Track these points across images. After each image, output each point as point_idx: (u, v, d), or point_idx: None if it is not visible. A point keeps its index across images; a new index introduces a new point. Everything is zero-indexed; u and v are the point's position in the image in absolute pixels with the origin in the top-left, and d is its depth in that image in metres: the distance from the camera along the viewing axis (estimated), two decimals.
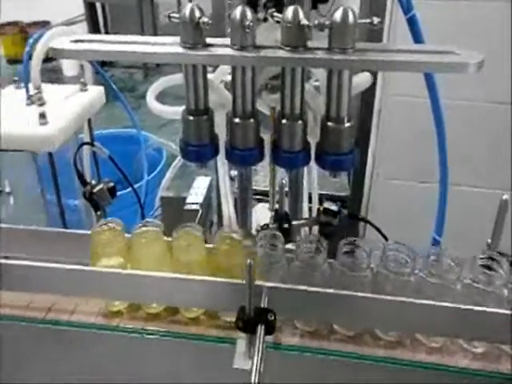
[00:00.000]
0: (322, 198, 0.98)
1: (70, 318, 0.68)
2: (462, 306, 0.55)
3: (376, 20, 0.52)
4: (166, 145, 1.68)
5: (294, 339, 0.65)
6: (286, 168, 0.69)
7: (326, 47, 0.54)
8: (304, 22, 0.52)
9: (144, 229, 0.69)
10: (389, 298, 0.58)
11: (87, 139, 1.06)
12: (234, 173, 0.90)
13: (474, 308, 0.55)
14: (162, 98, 0.73)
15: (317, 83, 0.70)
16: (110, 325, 0.67)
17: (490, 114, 1.30)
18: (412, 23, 0.71)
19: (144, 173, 1.30)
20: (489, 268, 0.59)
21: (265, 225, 0.91)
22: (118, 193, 1.05)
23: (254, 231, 0.89)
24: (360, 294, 0.60)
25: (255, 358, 0.55)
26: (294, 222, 0.91)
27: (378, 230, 0.94)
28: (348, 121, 0.60)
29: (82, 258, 0.71)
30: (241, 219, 0.90)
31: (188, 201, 0.98)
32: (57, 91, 0.98)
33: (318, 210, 0.91)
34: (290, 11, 0.52)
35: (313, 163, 0.65)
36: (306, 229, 0.98)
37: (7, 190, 1.23)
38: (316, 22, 0.51)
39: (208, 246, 0.70)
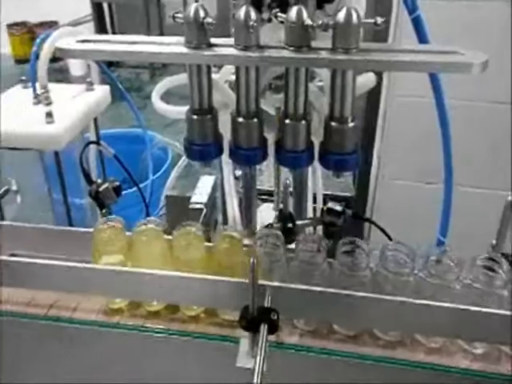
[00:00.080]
0: (327, 199, 0.98)
1: (72, 315, 0.69)
2: (461, 306, 0.55)
3: (380, 20, 0.52)
4: (172, 144, 1.69)
5: (293, 338, 0.65)
6: (289, 167, 0.69)
7: (329, 47, 0.54)
8: (308, 22, 0.52)
9: (144, 227, 0.69)
10: (391, 298, 0.58)
11: (93, 138, 1.07)
12: (239, 172, 0.90)
13: (473, 308, 0.55)
14: (168, 97, 0.74)
15: (321, 83, 0.70)
16: (111, 322, 0.68)
17: (490, 114, 1.30)
18: (417, 23, 0.71)
19: (149, 172, 1.30)
20: (489, 269, 0.58)
21: (269, 224, 0.92)
22: (124, 192, 1.06)
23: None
24: (363, 294, 0.60)
25: (258, 357, 0.55)
26: (298, 222, 0.91)
27: (383, 230, 0.94)
28: (352, 121, 0.60)
29: (86, 256, 0.72)
30: (245, 219, 0.90)
31: (192, 200, 0.98)
32: (63, 91, 0.99)
33: (322, 209, 0.91)
34: (293, 11, 0.52)
35: (317, 163, 0.65)
36: (311, 229, 0.98)
37: (14, 188, 1.24)
38: (320, 21, 0.52)
39: (208, 244, 0.70)
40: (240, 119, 0.62)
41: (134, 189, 1.15)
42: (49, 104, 0.90)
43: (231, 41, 0.56)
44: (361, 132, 1.49)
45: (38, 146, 0.91)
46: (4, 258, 0.67)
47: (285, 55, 0.54)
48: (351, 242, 0.65)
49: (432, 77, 0.75)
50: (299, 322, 0.68)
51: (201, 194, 1.00)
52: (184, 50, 0.55)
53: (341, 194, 1.59)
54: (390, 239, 0.90)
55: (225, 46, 0.56)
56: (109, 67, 4.21)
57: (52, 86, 0.92)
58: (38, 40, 0.86)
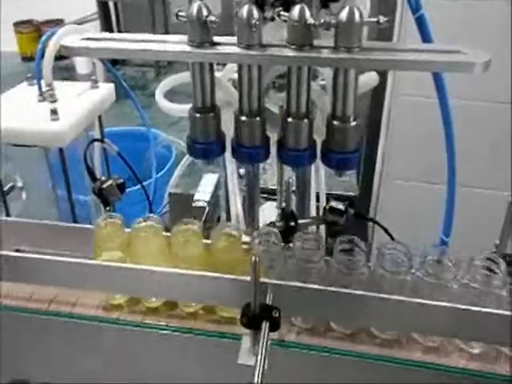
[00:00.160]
0: (330, 198, 0.98)
1: (72, 310, 0.70)
2: (458, 306, 0.55)
3: (382, 19, 0.52)
4: (176, 142, 1.69)
5: (290, 336, 0.66)
6: (291, 166, 0.69)
7: (332, 46, 0.54)
8: (310, 20, 0.52)
9: (143, 224, 0.70)
10: (388, 296, 0.58)
11: (98, 136, 1.08)
12: (243, 171, 0.90)
13: (470, 308, 0.55)
14: (173, 96, 0.74)
15: (323, 82, 0.70)
16: (110, 317, 0.69)
17: (490, 114, 1.29)
18: (420, 22, 0.71)
19: (153, 170, 1.31)
20: (487, 269, 0.58)
21: (271, 223, 0.92)
22: (128, 190, 1.07)
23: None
24: (361, 292, 0.60)
25: (259, 354, 0.56)
26: (301, 221, 0.91)
27: (385, 229, 0.94)
28: (354, 120, 0.60)
29: (90, 252, 0.73)
30: (248, 217, 0.91)
31: (195, 198, 0.99)
32: (68, 88, 1.00)
33: (325, 208, 0.91)
34: (296, 10, 0.53)
35: (320, 162, 0.65)
36: (314, 227, 0.98)
37: (19, 184, 1.25)
38: (322, 20, 0.52)
39: (206, 241, 0.70)
40: (243, 118, 0.62)
41: (138, 186, 1.16)
42: (54, 101, 0.91)
43: (234, 39, 0.56)
44: (365, 131, 1.49)
45: (43, 143, 0.92)
46: (4, 252, 0.68)
47: (287, 54, 0.54)
48: (349, 241, 0.65)
49: (436, 76, 0.75)
50: (297, 320, 0.68)
51: (204, 191, 1.00)
52: (187, 48, 0.56)
53: (345, 193, 1.59)
54: (393, 238, 0.90)
55: (227, 45, 0.56)
56: (114, 65, 4.22)
57: (57, 83, 0.93)
58: (43, 38, 0.86)
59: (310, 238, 0.68)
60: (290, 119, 0.61)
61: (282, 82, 0.70)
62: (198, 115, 0.63)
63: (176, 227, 0.69)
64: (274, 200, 0.96)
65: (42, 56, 0.86)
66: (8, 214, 1.10)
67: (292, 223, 0.89)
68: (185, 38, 0.57)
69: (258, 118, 0.62)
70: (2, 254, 0.68)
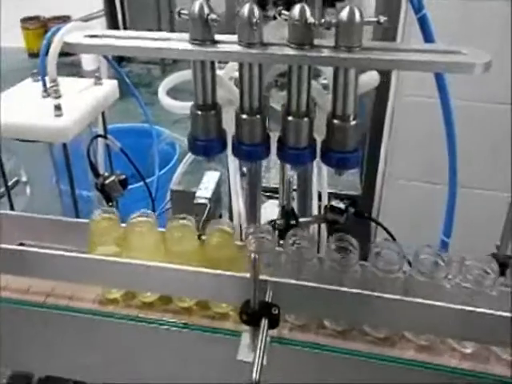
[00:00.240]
0: (332, 197, 0.98)
1: (69, 304, 0.70)
2: (451, 306, 0.55)
3: (383, 19, 0.53)
4: (179, 140, 1.70)
5: (283, 332, 0.66)
6: (291, 164, 0.69)
7: (332, 45, 0.55)
8: (310, 20, 0.52)
9: (138, 219, 0.70)
10: (414, 300, 0.58)
11: (101, 132, 1.08)
12: (246, 168, 0.91)
13: (461, 307, 0.55)
14: (178, 93, 0.75)
15: (326, 81, 0.71)
16: (106, 311, 0.69)
17: (490, 115, 1.29)
18: (423, 22, 0.71)
19: (156, 167, 1.32)
20: (480, 269, 0.58)
21: (272, 221, 0.92)
22: (131, 186, 1.07)
23: None
24: (368, 292, 0.60)
25: (258, 351, 0.56)
26: (301, 219, 0.92)
27: (385, 229, 0.94)
28: (354, 119, 0.60)
29: None
30: (249, 215, 0.91)
31: (197, 195, 1.00)
32: (72, 84, 1.00)
33: (325, 207, 0.92)
34: (296, 9, 0.53)
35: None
36: (316, 226, 0.99)
37: (24, 179, 1.26)
38: (322, 20, 0.52)
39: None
40: (243, 116, 0.62)
41: (142, 183, 1.16)
42: (58, 97, 0.91)
43: (235, 37, 0.57)
44: (368, 131, 1.48)
45: (47, 139, 0.92)
46: (2, 246, 0.69)
47: (287, 53, 0.55)
48: (342, 239, 0.65)
49: (437, 76, 0.75)
50: (290, 317, 0.68)
51: (205, 189, 1.01)
52: (188, 46, 0.56)
53: (347, 192, 1.59)
54: (393, 237, 0.90)
55: (229, 43, 0.57)
56: (120, 62, 4.22)
57: (61, 79, 0.93)
58: (48, 34, 0.87)
59: (302, 236, 0.68)
60: (290, 118, 0.62)
61: (284, 80, 0.70)
62: (199, 112, 0.63)
63: (170, 223, 0.70)
64: (277, 198, 0.96)
65: (47, 52, 0.86)
66: (12, 208, 1.11)
67: (292, 221, 0.89)
68: (187, 35, 0.57)
69: (258, 116, 0.62)
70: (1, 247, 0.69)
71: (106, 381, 0.72)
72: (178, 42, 0.57)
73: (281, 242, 0.73)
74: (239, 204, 0.97)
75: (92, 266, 0.66)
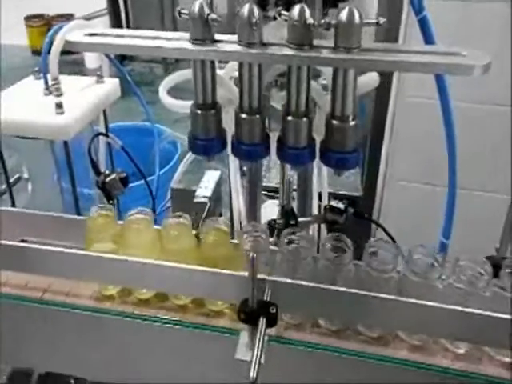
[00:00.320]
0: (335, 198, 0.99)
1: (66, 300, 0.71)
2: (444, 306, 0.55)
3: (382, 20, 0.53)
4: (181, 138, 1.70)
5: (277, 331, 0.66)
6: (290, 164, 0.70)
7: (331, 46, 0.55)
8: (310, 20, 0.52)
9: (134, 217, 0.71)
10: (414, 300, 0.58)
11: (103, 130, 1.09)
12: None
13: (454, 308, 0.55)
14: (180, 93, 0.75)
15: (325, 81, 0.71)
16: (103, 307, 0.70)
17: (489, 117, 1.29)
18: (423, 24, 0.71)
19: (156, 166, 1.32)
20: (473, 270, 0.59)
21: (272, 220, 0.93)
22: (133, 184, 1.08)
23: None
24: (362, 292, 0.60)
25: (255, 349, 0.56)
26: (301, 219, 0.92)
27: (384, 229, 0.94)
28: (353, 119, 0.61)
29: None
30: (249, 214, 0.91)
31: (197, 193, 1.00)
32: (74, 82, 1.01)
33: (325, 207, 0.92)
34: (296, 10, 0.53)
35: None
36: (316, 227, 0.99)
37: (25, 176, 1.27)
38: (322, 21, 0.52)
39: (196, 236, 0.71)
40: (243, 115, 0.63)
41: (143, 181, 1.17)
42: (59, 95, 0.92)
43: (235, 37, 0.57)
44: (369, 132, 1.49)
45: (48, 136, 0.93)
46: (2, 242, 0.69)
47: (286, 53, 0.55)
48: (337, 239, 0.65)
49: (438, 78, 0.75)
50: (286, 316, 0.68)
51: (206, 187, 1.01)
52: (188, 45, 0.56)
53: (348, 193, 1.59)
54: (392, 238, 0.90)
55: (229, 43, 0.57)
56: (122, 61, 4.22)
57: (63, 77, 0.94)
58: (50, 32, 0.87)
59: (297, 235, 0.68)
60: (289, 117, 0.62)
61: (284, 80, 0.70)
62: (199, 112, 0.64)
63: (166, 221, 0.70)
64: (278, 198, 0.97)
65: (49, 50, 0.87)
66: (14, 205, 1.12)
67: (292, 221, 0.90)
68: (187, 35, 0.57)
69: (257, 116, 0.62)
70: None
71: (103, 377, 0.73)
72: (178, 42, 0.57)
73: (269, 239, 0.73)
74: (239, 203, 0.97)
75: (88, 262, 0.67)
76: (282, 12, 0.57)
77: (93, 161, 1.00)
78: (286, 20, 0.56)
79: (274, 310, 0.61)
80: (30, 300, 0.71)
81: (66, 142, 0.95)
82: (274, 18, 0.63)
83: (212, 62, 0.61)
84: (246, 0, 0.56)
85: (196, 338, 0.68)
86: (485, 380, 0.58)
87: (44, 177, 1.26)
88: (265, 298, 0.63)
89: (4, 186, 1.13)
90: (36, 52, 4.28)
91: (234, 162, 0.93)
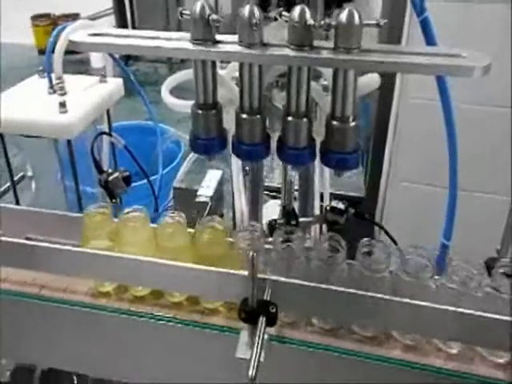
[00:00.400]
0: (338, 198, 0.99)
1: (62, 296, 0.71)
2: (437, 306, 0.55)
3: (382, 22, 0.53)
4: (184, 138, 1.70)
5: (271, 329, 0.66)
6: (290, 164, 0.70)
7: (331, 47, 0.55)
8: (310, 21, 0.53)
9: (130, 214, 0.71)
10: (410, 301, 0.58)
11: (106, 129, 1.10)
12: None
13: (446, 308, 0.55)
14: (183, 92, 0.76)
15: (326, 82, 0.71)
16: (98, 304, 0.70)
17: (489, 118, 1.28)
18: (425, 25, 0.71)
19: (159, 165, 1.33)
20: (465, 270, 0.59)
21: (273, 220, 0.93)
22: (136, 183, 1.08)
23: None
24: (365, 292, 0.60)
25: (255, 349, 0.57)
26: (301, 219, 0.92)
27: (385, 230, 0.94)
28: (353, 120, 0.61)
29: None
30: (251, 213, 0.92)
31: (199, 193, 1.01)
32: (78, 82, 1.02)
33: (326, 208, 0.92)
34: (296, 11, 0.53)
35: None
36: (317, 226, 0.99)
37: (29, 174, 1.28)
38: (322, 22, 0.53)
39: (192, 234, 0.71)
40: (243, 115, 0.63)
41: (146, 180, 1.18)
42: (63, 94, 0.93)
43: (236, 38, 0.57)
44: (372, 133, 1.49)
45: (51, 135, 0.94)
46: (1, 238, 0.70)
47: (286, 54, 0.55)
48: (332, 238, 0.66)
49: (439, 79, 0.75)
50: (279, 314, 0.68)
51: (207, 187, 1.02)
52: (188, 45, 0.57)
53: (351, 193, 1.59)
54: (393, 240, 0.90)
55: (229, 43, 0.57)
56: (127, 61, 4.22)
57: (67, 76, 0.95)
58: (54, 32, 0.88)
59: (291, 235, 0.68)
60: (289, 118, 0.62)
61: (285, 80, 0.70)
62: (199, 111, 0.64)
63: (162, 219, 0.70)
64: (280, 198, 0.97)
65: (53, 50, 0.88)
66: (18, 203, 1.13)
67: (293, 221, 0.90)
68: (188, 35, 0.58)
69: (258, 116, 0.63)
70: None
71: (98, 372, 0.73)
72: (179, 42, 0.58)
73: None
74: (242, 203, 0.98)
75: (85, 259, 0.67)
76: (283, 13, 0.57)
77: (96, 160, 1.01)
78: (286, 21, 0.56)
79: (274, 310, 0.61)
80: (29, 296, 0.72)
81: (69, 141, 0.96)
82: (275, 19, 0.63)
83: (213, 62, 0.61)
84: (248, 1, 0.56)
85: (191, 335, 0.68)
86: (477, 380, 0.59)
87: (48, 175, 1.27)
88: (265, 298, 0.63)
89: (8, 184, 1.14)
90: (42, 51, 4.30)
91: (236, 162, 0.94)
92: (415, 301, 0.55)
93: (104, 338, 0.72)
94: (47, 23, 4.43)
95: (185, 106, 0.74)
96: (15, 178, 1.15)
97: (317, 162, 0.67)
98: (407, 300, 0.56)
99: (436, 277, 0.60)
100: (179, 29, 4.07)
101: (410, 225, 1.35)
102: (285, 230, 0.68)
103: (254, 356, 0.56)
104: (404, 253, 0.61)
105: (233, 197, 0.95)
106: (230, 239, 0.70)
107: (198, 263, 0.65)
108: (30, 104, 0.94)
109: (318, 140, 0.65)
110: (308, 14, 0.53)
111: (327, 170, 1.00)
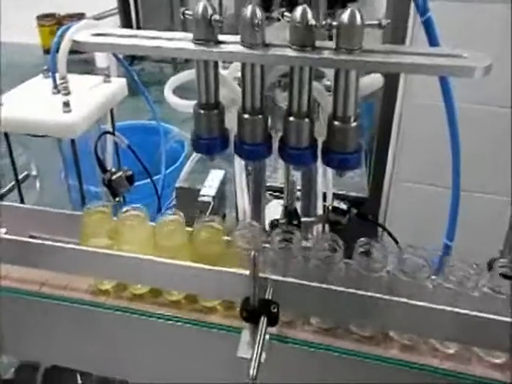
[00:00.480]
0: (341, 198, 0.99)
1: (62, 294, 0.72)
2: (433, 306, 0.55)
3: (384, 22, 0.53)
4: (188, 137, 1.70)
5: (271, 329, 0.67)
6: (292, 164, 0.70)
7: (333, 47, 0.55)
8: (312, 21, 0.53)
9: (128, 213, 0.72)
10: (408, 301, 0.58)
11: (110, 129, 1.10)
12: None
13: (445, 308, 0.55)
14: (187, 92, 0.76)
15: (329, 82, 0.71)
16: (98, 301, 0.71)
17: (490, 118, 1.28)
18: (427, 25, 0.71)
19: (162, 165, 1.33)
20: (463, 270, 0.59)
21: (275, 220, 0.93)
22: (139, 183, 1.09)
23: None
24: (367, 293, 0.60)
25: (256, 348, 0.57)
26: (303, 219, 0.92)
27: (387, 231, 0.94)
28: (355, 120, 0.61)
29: None
30: (253, 213, 0.92)
31: (201, 192, 1.01)
32: (82, 82, 1.03)
33: (328, 208, 0.92)
34: (298, 11, 0.54)
35: None
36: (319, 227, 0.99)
37: (34, 173, 1.29)
38: (324, 22, 0.53)
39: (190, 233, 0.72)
40: (245, 115, 0.63)
41: (149, 180, 1.18)
42: (67, 94, 0.93)
43: (238, 38, 0.57)
44: (376, 133, 1.48)
45: (55, 134, 0.95)
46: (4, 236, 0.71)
47: (288, 54, 0.55)
48: (330, 238, 0.66)
49: (441, 80, 0.75)
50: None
51: (210, 186, 1.02)
52: (190, 45, 0.57)
53: (355, 194, 1.59)
54: (395, 240, 0.90)
55: (231, 43, 0.57)
56: (133, 61, 4.22)
57: (71, 76, 0.95)
58: (58, 32, 0.89)
59: (289, 234, 0.68)
60: (291, 118, 0.62)
61: (287, 80, 0.71)
62: (202, 111, 0.64)
63: (161, 217, 0.71)
64: (282, 198, 0.97)
65: (58, 50, 0.88)
66: (22, 202, 1.14)
67: (295, 221, 0.90)
68: (190, 35, 0.58)
69: (260, 116, 0.63)
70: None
71: (98, 369, 0.74)
72: (181, 42, 0.58)
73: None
74: (245, 202, 0.98)
75: (85, 257, 0.68)
76: (285, 13, 0.57)
77: (99, 159, 1.01)
78: (288, 21, 0.56)
79: (275, 309, 0.61)
80: (30, 293, 0.72)
81: (73, 140, 0.97)
82: (278, 20, 0.64)
83: (215, 63, 0.61)
84: (250, 1, 0.57)
85: (189, 334, 0.69)
86: (473, 380, 0.59)
87: (52, 174, 1.28)
88: (266, 297, 0.63)
89: (13, 183, 1.15)
90: (47, 51, 4.33)
91: (239, 162, 0.94)
92: (412, 301, 0.55)
93: (103, 335, 0.72)
94: (52, 23, 4.45)
95: (188, 105, 0.74)
96: (20, 177, 1.16)
97: (319, 162, 0.67)
98: (404, 300, 0.56)
99: (433, 277, 0.60)
100: (184, 29, 4.05)
101: (412, 225, 1.34)
102: (282, 229, 0.68)
103: (255, 355, 0.56)
104: (402, 252, 0.61)
105: (235, 196, 0.95)
106: (228, 238, 0.71)
107: (196, 262, 0.66)
108: (34, 103, 0.95)
109: (320, 140, 0.65)
110: (310, 15, 0.53)
111: (330, 171, 1.00)
